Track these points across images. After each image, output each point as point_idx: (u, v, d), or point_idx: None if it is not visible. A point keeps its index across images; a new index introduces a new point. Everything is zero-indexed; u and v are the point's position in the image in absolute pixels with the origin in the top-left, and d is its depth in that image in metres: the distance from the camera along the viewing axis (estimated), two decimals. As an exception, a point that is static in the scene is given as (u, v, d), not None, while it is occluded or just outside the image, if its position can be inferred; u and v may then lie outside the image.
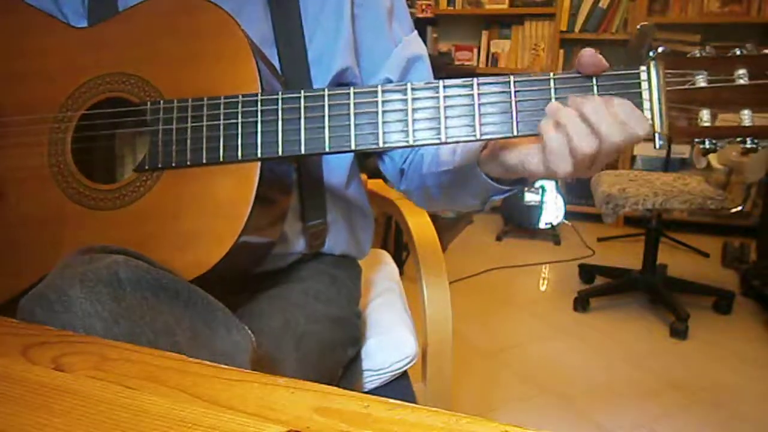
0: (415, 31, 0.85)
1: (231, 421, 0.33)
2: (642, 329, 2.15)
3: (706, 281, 2.43)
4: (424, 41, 3.69)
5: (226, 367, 0.39)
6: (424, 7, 3.18)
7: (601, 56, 0.54)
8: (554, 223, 3.08)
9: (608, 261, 2.68)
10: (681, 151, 3.13)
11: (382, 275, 1.10)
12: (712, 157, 2.13)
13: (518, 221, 3.13)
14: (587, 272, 2.58)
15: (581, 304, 2.29)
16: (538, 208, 3.07)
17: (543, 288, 2.58)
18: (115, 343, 0.43)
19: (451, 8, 3.56)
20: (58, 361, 0.40)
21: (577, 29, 3.33)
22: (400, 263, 2.36)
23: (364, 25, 0.78)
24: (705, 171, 2.40)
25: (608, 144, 0.52)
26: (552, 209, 3.08)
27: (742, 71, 0.53)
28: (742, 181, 2.12)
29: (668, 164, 2.97)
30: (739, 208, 2.16)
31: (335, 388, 0.35)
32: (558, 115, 0.53)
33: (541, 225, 3.09)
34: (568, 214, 3.18)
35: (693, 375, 1.86)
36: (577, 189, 3.26)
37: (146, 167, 0.62)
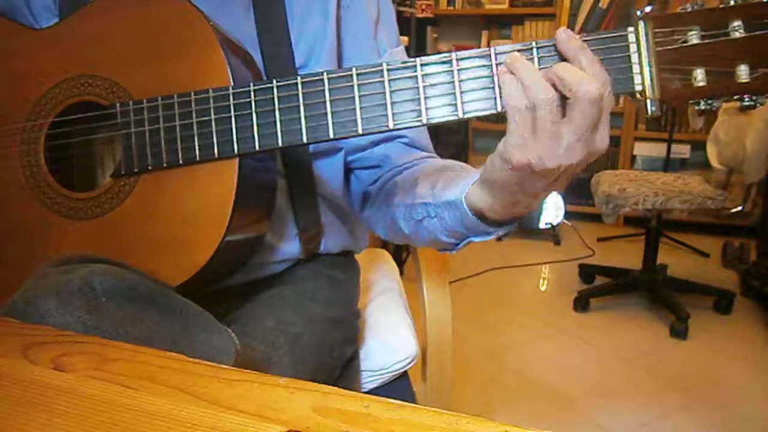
0: (402, 46, 0.82)
1: (231, 421, 0.33)
2: (642, 329, 2.15)
3: (706, 281, 2.43)
4: (424, 41, 3.62)
5: (226, 367, 0.39)
6: (424, 7, 3.18)
7: (574, 36, 0.50)
8: (554, 223, 3.08)
9: (608, 261, 2.68)
10: (681, 151, 3.13)
11: (382, 275, 1.10)
12: (712, 156, 2.12)
13: (518, 221, 3.13)
14: (587, 272, 2.58)
15: (581, 304, 2.29)
16: (538, 208, 3.07)
17: (543, 288, 2.58)
18: (115, 343, 0.43)
19: (451, 8, 3.56)
20: (58, 361, 0.40)
21: (577, 29, 3.33)
22: (400, 263, 2.36)
23: (347, 30, 0.76)
24: (705, 171, 2.40)
25: (584, 96, 0.46)
26: (552, 209, 3.08)
27: (737, 23, 0.49)
28: (742, 181, 2.11)
29: (668, 164, 2.97)
30: (739, 208, 2.15)
31: (335, 388, 0.35)
32: (514, 66, 0.50)
33: (541, 225, 3.09)
34: (568, 214, 3.19)
35: (693, 375, 1.86)
36: (577, 189, 3.26)
37: (122, 172, 0.60)
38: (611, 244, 3.07)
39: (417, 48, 3.17)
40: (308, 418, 0.33)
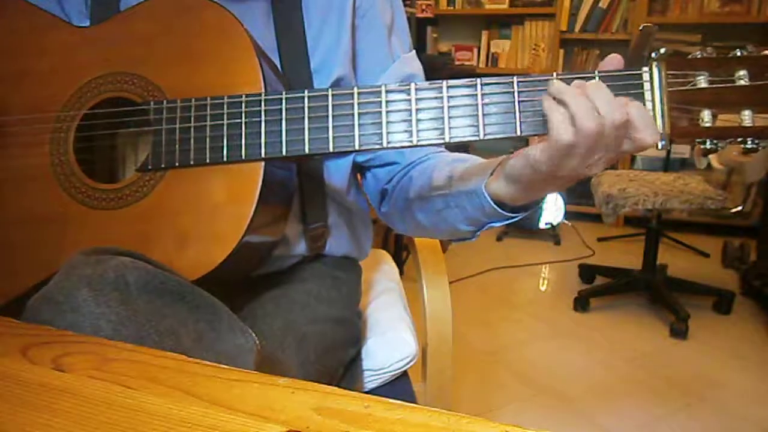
0: (414, 51, 0.85)
1: (231, 421, 0.33)
2: (642, 329, 2.15)
3: (706, 281, 2.43)
4: (424, 41, 3.62)
5: (226, 367, 0.39)
6: (424, 7, 3.18)
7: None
8: (554, 223, 3.08)
9: (608, 261, 2.68)
10: (681, 151, 3.13)
11: (382, 275, 1.10)
12: (712, 157, 2.13)
13: (518, 221, 3.12)
14: (587, 272, 2.58)
15: (581, 304, 2.29)
16: (538, 208, 3.07)
17: (543, 288, 2.58)
18: (115, 343, 0.43)
19: (451, 8, 3.56)
20: (58, 361, 0.40)
21: (577, 29, 3.33)
22: (400, 263, 2.36)
23: (363, 37, 0.78)
24: (705, 171, 2.40)
25: (610, 124, 0.50)
26: (552, 209, 3.08)
27: (742, 72, 0.53)
28: (742, 181, 2.12)
29: (668, 164, 2.97)
30: (739, 208, 2.16)
31: (335, 388, 0.35)
32: (561, 93, 0.52)
33: (541, 225, 3.09)
34: (568, 214, 3.19)
35: (693, 375, 1.86)
36: (577, 189, 3.26)
37: (149, 167, 0.62)
38: (611, 244, 3.07)
39: (417, 48, 3.17)
40: (308, 418, 0.33)
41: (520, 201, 0.62)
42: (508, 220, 0.64)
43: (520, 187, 0.59)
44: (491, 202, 0.62)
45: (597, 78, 0.54)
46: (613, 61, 0.55)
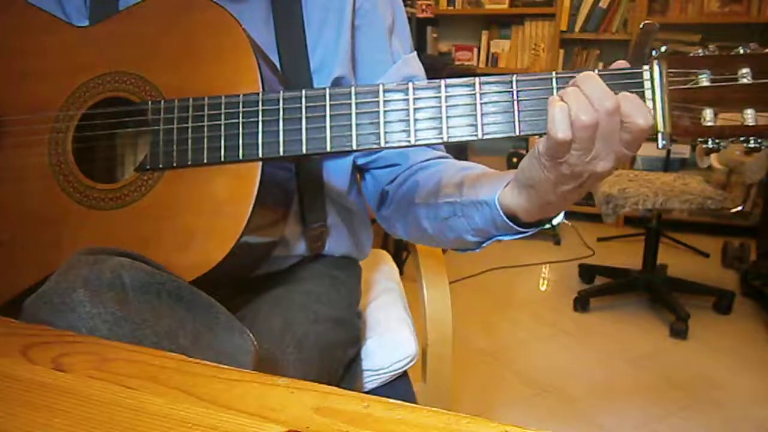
0: (414, 53, 0.84)
1: (231, 421, 0.33)
2: (642, 329, 2.15)
3: (706, 281, 2.43)
4: (424, 41, 3.61)
5: (226, 367, 0.39)
6: (424, 7, 3.18)
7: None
8: (554, 223, 3.07)
9: (608, 261, 2.68)
10: (681, 151, 3.13)
11: (382, 275, 1.10)
12: (712, 156, 2.13)
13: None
14: (587, 272, 2.58)
15: (581, 304, 2.29)
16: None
17: (543, 288, 2.58)
18: (115, 343, 0.43)
19: (451, 8, 3.56)
20: (58, 361, 0.40)
21: (577, 29, 3.33)
22: (400, 263, 2.36)
23: (364, 37, 0.78)
24: (705, 171, 2.40)
25: (605, 118, 0.50)
26: (552, 209, 3.08)
27: (745, 70, 0.52)
28: (742, 181, 2.12)
29: (668, 164, 2.97)
30: (739, 208, 2.16)
31: (335, 388, 0.35)
32: (562, 92, 0.52)
33: (541, 225, 3.09)
34: (568, 214, 3.19)
35: (693, 375, 1.86)
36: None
37: (147, 167, 0.62)
38: (611, 244, 3.07)
39: (417, 48, 3.17)
40: (308, 418, 0.33)
41: (533, 215, 0.61)
42: (518, 234, 0.63)
43: (532, 194, 0.58)
44: (503, 216, 0.61)
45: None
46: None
